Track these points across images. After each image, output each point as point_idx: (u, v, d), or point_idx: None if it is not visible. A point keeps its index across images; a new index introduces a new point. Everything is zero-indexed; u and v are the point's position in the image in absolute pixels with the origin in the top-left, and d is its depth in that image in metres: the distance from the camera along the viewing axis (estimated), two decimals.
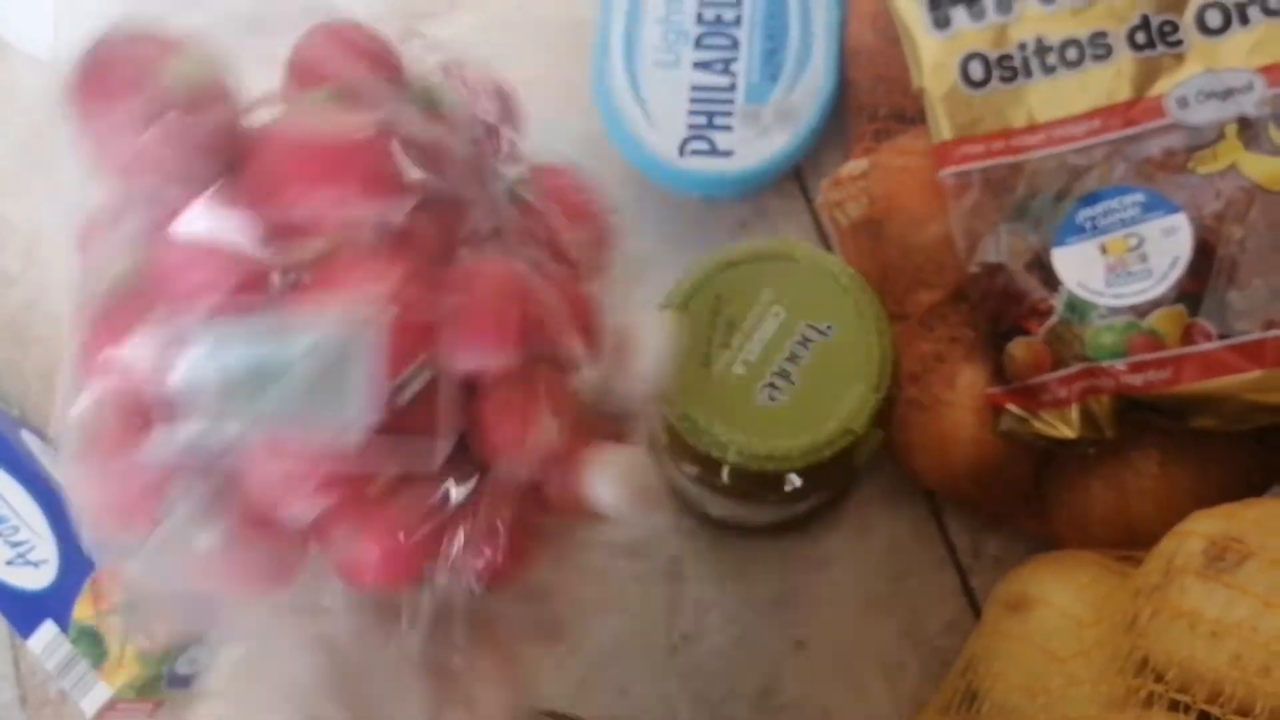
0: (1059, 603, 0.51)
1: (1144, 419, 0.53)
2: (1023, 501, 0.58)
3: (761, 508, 0.58)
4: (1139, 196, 0.53)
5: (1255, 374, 0.50)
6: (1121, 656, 0.47)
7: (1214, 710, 0.43)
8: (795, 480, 0.52)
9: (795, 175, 0.67)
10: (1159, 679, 0.45)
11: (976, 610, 0.61)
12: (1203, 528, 0.47)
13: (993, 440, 0.55)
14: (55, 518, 0.62)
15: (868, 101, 0.63)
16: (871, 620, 0.62)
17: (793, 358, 0.52)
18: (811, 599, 0.62)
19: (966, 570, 0.62)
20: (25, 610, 0.60)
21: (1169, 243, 0.52)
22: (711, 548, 0.63)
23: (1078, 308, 0.53)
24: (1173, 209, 0.53)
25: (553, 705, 0.58)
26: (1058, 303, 0.53)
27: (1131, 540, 0.53)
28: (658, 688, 0.62)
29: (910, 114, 0.61)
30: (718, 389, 0.52)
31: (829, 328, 0.51)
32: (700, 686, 0.62)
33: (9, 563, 0.61)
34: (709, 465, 0.52)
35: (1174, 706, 0.44)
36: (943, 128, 0.57)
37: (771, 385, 0.51)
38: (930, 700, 0.57)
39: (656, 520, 0.62)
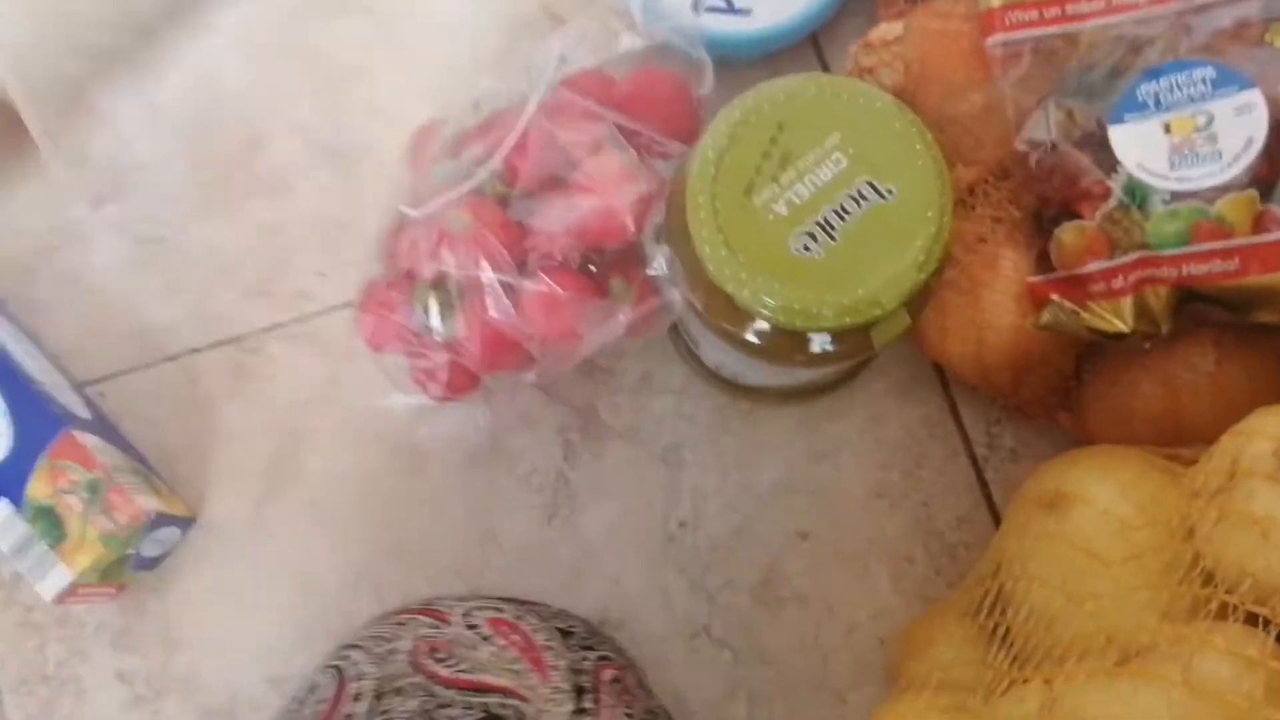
0: (1101, 501, 0.44)
1: (1200, 311, 0.45)
2: (1059, 396, 0.51)
3: (747, 356, 0.51)
4: (1209, 71, 0.45)
5: None
6: (1182, 565, 0.40)
7: (1269, 611, 0.37)
8: (755, 333, 0.45)
9: (813, 42, 0.58)
10: (1230, 592, 0.39)
11: (991, 504, 0.54)
12: (1271, 427, 0.40)
13: (1031, 333, 0.48)
14: (10, 391, 0.52)
15: None
16: (879, 512, 0.55)
17: (842, 211, 0.43)
18: (817, 488, 0.55)
19: (982, 463, 0.55)
20: None
21: (1242, 122, 0.44)
22: (713, 434, 0.55)
23: (1137, 191, 0.45)
24: (1246, 85, 0.45)
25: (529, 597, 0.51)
26: (1115, 185, 0.45)
27: (1178, 440, 0.46)
28: (653, 578, 0.54)
29: None
30: (752, 222, 0.43)
31: (891, 191, 0.43)
32: (697, 576, 0.54)
33: None
34: (714, 293, 0.44)
35: (1250, 619, 0.38)
36: None
37: (810, 235, 0.43)
38: (948, 600, 0.50)
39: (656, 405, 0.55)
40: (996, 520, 0.54)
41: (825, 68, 0.58)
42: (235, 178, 0.58)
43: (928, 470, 0.54)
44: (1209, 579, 0.39)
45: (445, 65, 0.59)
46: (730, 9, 0.54)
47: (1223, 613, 0.38)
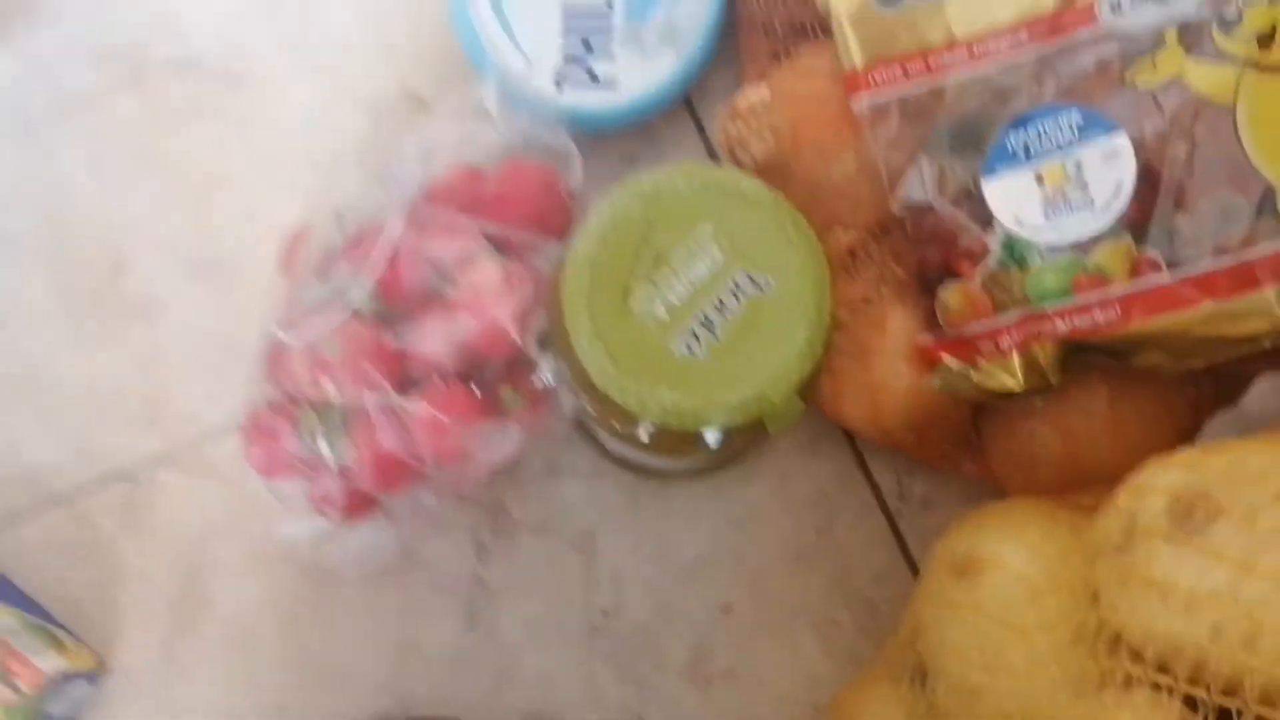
0: (1012, 566, 0.45)
1: (1088, 360, 0.46)
2: (961, 447, 0.52)
3: (643, 452, 0.51)
4: (1074, 116, 0.46)
5: (1207, 306, 0.44)
6: (1090, 633, 0.41)
7: (1199, 692, 0.38)
8: (647, 432, 0.45)
9: (685, 100, 0.58)
10: (1136, 658, 0.40)
11: (908, 556, 0.55)
12: (1164, 481, 0.41)
13: (928, 392, 0.48)
14: None
15: (761, 15, 0.53)
16: (799, 575, 0.55)
17: (721, 306, 0.43)
18: (734, 559, 0.55)
19: (894, 514, 0.55)
20: None
21: (1110, 167, 0.45)
22: (624, 515, 0.55)
23: (1015, 247, 0.46)
24: (1112, 128, 0.45)
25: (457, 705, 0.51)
26: (993, 242, 0.46)
27: (1080, 482, 0.47)
28: (581, 670, 0.54)
29: (810, 25, 0.52)
30: (633, 329, 0.43)
31: (767, 281, 0.43)
32: (626, 663, 0.54)
33: None
34: (601, 397, 0.44)
35: (1156, 689, 0.39)
36: (853, 52, 0.48)
37: (692, 334, 0.43)
38: (875, 665, 0.51)
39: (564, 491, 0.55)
40: (915, 571, 0.54)
41: (701, 127, 0.58)
42: (104, 303, 0.57)
43: (842, 527, 0.55)
44: (1116, 643, 0.40)
45: (308, 160, 0.58)
46: (594, 82, 0.54)
47: (1128, 683, 0.39)
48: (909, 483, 0.55)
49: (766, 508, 0.55)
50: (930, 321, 0.48)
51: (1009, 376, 0.46)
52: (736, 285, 0.43)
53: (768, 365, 0.43)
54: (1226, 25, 0.44)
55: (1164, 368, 0.46)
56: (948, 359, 0.47)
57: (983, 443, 0.51)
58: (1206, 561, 0.39)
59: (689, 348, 0.43)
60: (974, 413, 0.51)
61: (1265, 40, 0.44)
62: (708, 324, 0.43)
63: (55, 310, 0.57)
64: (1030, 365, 0.46)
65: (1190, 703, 0.38)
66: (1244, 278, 0.44)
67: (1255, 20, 0.44)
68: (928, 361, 0.48)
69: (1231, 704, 0.37)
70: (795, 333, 0.43)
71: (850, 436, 0.56)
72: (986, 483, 0.52)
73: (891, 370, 0.49)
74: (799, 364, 0.43)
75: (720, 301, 0.43)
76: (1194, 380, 0.48)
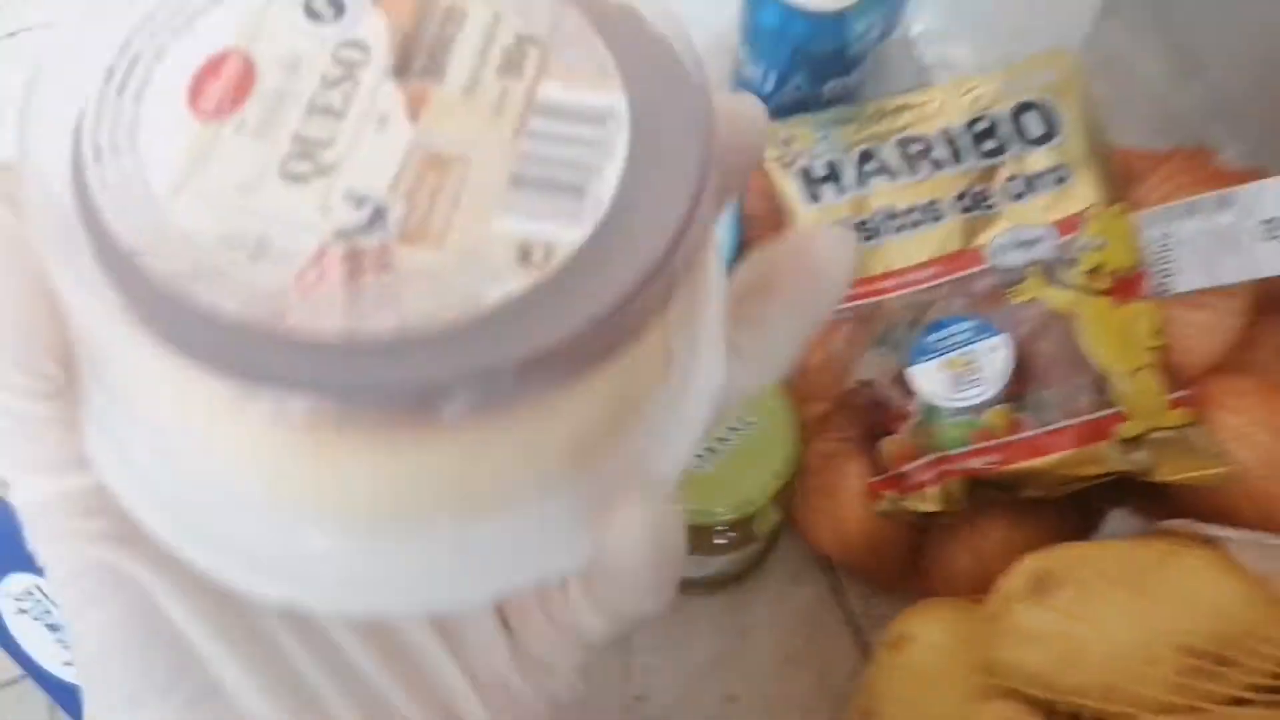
0: (927, 637, 0.69)
1: (988, 494, 0.71)
2: (906, 567, 0.76)
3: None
4: (970, 323, 0.73)
5: (1065, 453, 0.69)
6: (974, 668, 0.65)
7: (1035, 692, 0.61)
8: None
9: None
10: (1001, 677, 0.63)
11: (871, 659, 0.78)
12: (1029, 567, 0.66)
13: (878, 519, 0.73)
14: None
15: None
16: (790, 674, 0.78)
17: (722, 439, 0.69)
18: (740, 659, 0.79)
19: (862, 628, 0.79)
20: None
21: (994, 358, 0.72)
22: (655, 622, 0.79)
23: (930, 412, 0.72)
24: (995, 332, 0.72)
25: None
26: (915, 409, 0.72)
27: (988, 588, 0.71)
28: None
29: None
30: None
31: (752, 422, 0.69)
32: None
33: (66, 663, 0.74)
34: None
35: (1010, 694, 0.62)
36: None
37: (700, 456, 0.69)
38: None
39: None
40: None
41: None
42: None
43: (822, 637, 0.78)
44: (990, 670, 0.63)
45: None
46: None
47: (992, 692, 0.62)
48: (873, 603, 0.79)
49: (764, 621, 0.79)
50: (876, 466, 0.73)
51: (929, 502, 0.71)
52: (732, 425, 0.70)
53: (754, 478, 0.68)
54: (1069, 264, 0.72)
55: (1043, 498, 0.71)
56: (888, 492, 0.72)
57: (922, 566, 0.76)
58: (1049, 614, 0.62)
59: (698, 465, 0.69)
60: (915, 540, 0.75)
61: (1094, 274, 0.72)
62: (712, 449, 0.69)
63: None
64: (944, 494, 0.71)
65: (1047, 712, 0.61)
66: (1088, 434, 0.69)
67: (1087, 261, 0.72)
68: (875, 495, 0.73)
69: (1063, 706, 0.61)
70: (773, 456, 0.69)
71: (830, 566, 0.80)
72: (927, 596, 0.75)
73: (852, 504, 0.74)
74: (775, 478, 0.68)
75: (722, 436, 0.70)
76: (1067, 510, 0.72)
